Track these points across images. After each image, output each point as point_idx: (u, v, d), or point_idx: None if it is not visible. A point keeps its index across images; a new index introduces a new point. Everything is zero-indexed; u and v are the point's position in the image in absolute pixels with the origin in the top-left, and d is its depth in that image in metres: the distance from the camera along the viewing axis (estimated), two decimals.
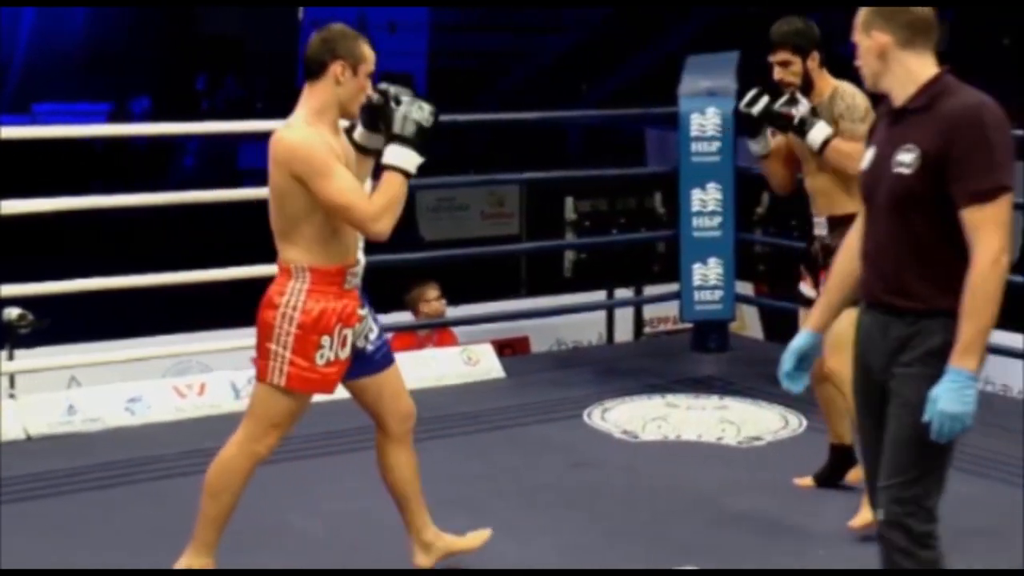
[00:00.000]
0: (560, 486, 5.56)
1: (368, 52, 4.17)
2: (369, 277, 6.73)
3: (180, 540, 4.86)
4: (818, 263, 5.16)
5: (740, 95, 7.54)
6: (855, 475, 5.25)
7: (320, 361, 4.17)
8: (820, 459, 5.49)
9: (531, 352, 9.02)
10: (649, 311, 9.39)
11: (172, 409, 6.40)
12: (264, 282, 6.81)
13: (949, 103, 3.44)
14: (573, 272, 10.31)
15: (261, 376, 4.23)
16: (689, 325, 7.97)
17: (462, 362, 7.18)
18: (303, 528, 5.04)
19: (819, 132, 5.10)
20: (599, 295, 9.34)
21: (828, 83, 5.23)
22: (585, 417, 6.46)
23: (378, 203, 4.09)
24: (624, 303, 9.22)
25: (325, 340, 4.16)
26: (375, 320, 4.40)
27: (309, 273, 4.16)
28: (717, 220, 7.59)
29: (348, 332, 4.21)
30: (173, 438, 6.09)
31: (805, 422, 6.25)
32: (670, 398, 6.76)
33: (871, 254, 3.59)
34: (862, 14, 3.56)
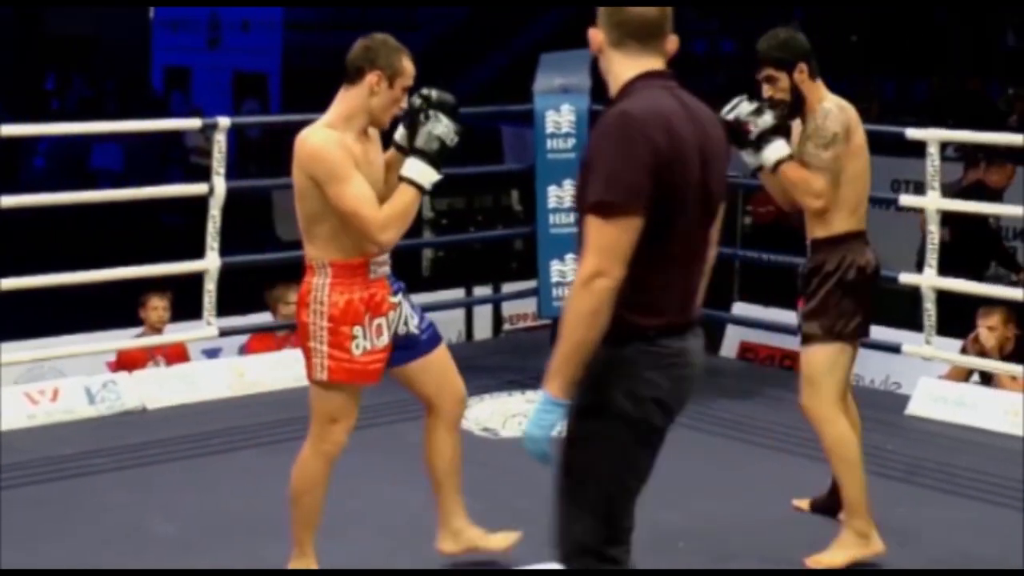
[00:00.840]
0: (420, 484, 5.55)
1: (408, 66, 4.23)
2: (227, 277, 6.73)
3: (36, 546, 4.78)
4: (798, 290, 4.83)
5: (594, 92, 7.65)
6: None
7: (357, 352, 4.21)
8: (678, 453, 5.49)
9: None
10: (508, 308, 9.41)
11: (24, 416, 6.28)
12: (119, 285, 6.80)
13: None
14: (431, 270, 10.32)
15: (308, 375, 4.27)
16: (548, 321, 8.01)
17: None
18: (161, 531, 4.99)
19: (773, 151, 4.64)
20: (457, 293, 9.34)
21: (819, 96, 4.67)
22: None
23: (386, 213, 4.16)
24: (482, 301, 9.22)
25: (357, 331, 4.20)
26: (413, 305, 4.43)
27: (331, 267, 4.21)
28: (574, 217, 7.60)
29: (381, 321, 4.25)
30: (25, 445, 5.98)
31: None
32: (530, 394, 6.79)
33: None
34: None
